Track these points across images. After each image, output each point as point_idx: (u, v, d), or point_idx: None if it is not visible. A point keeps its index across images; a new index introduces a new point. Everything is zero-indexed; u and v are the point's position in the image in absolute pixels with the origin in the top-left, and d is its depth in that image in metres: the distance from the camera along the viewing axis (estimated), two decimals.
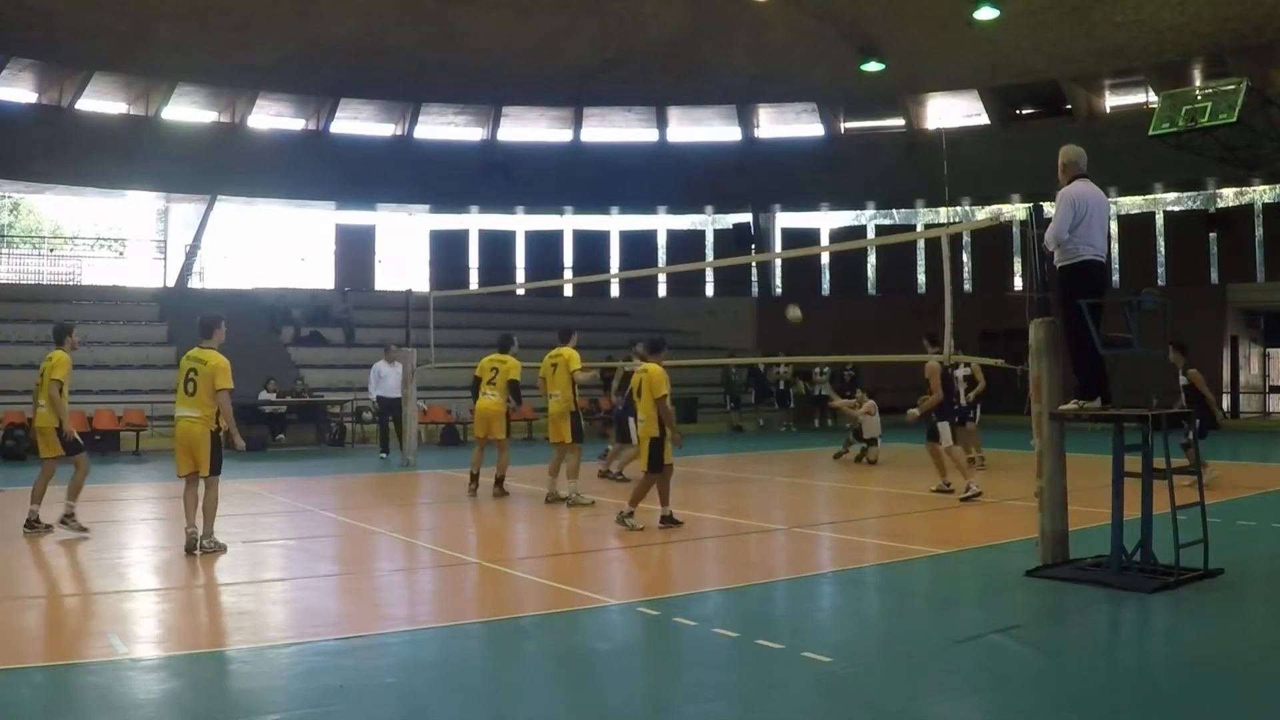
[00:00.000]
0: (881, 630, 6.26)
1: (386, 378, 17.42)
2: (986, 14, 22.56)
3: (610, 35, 25.56)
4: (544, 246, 31.04)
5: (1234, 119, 17.76)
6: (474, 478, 11.93)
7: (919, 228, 30.99)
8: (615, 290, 31.12)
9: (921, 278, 29.91)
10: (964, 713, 4.65)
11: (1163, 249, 28.02)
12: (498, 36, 24.97)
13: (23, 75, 24.16)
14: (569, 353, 11.30)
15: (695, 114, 29.94)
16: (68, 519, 8.99)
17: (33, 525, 9.02)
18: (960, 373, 13.96)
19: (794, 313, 12.06)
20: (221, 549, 8.17)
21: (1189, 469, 7.60)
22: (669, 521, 9.34)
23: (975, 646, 5.50)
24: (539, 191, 29.70)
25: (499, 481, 11.73)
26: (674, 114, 29.82)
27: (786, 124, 30.35)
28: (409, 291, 19.65)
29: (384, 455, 17.36)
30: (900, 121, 28.77)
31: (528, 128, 30.00)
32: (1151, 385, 7.20)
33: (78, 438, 9.30)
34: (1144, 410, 6.98)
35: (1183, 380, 11.78)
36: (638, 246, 31.30)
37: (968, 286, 28.48)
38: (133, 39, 23.02)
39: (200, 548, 8.04)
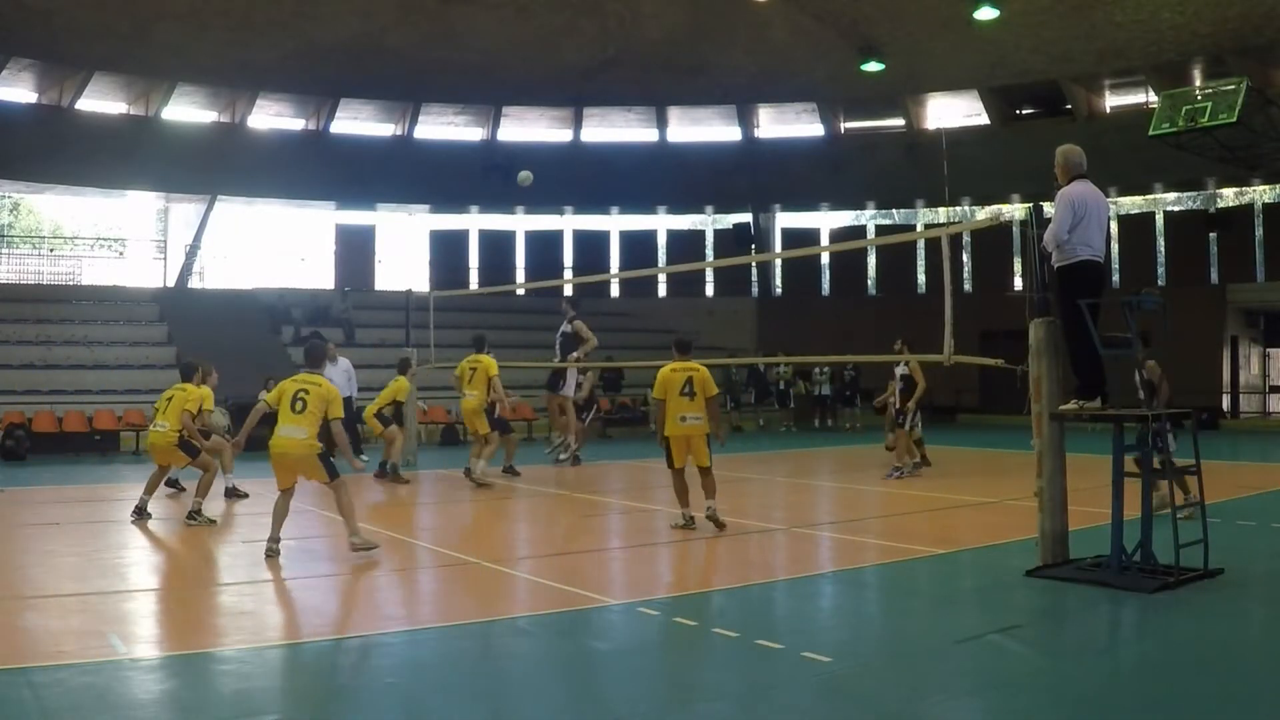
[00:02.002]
0: (881, 630, 6.26)
1: (332, 378, 17.06)
2: (986, 14, 22.56)
3: (610, 35, 25.56)
4: (544, 246, 31.03)
5: (1234, 119, 17.75)
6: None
7: (919, 228, 30.99)
8: (615, 290, 31.11)
9: (921, 278, 29.91)
10: (964, 713, 4.65)
11: (1163, 249, 28.01)
12: (498, 36, 24.96)
13: (23, 75, 24.16)
14: (488, 360, 13.14)
15: (695, 114, 29.93)
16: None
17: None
18: (898, 371, 13.65)
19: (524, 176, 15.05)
20: (372, 545, 8.02)
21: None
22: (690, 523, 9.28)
23: (975, 646, 5.50)
24: (539, 191, 29.61)
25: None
26: (674, 114, 29.81)
27: (786, 124, 30.34)
28: (409, 291, 19.63)
29: (365, 459, 17.03)
30: (900, 121, 28.76)
31: (528, 128, 30.00)
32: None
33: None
34: (1144, 410, 6.98)
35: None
36: (638, 246, 31.28)
37: (968, 286, 28.47)
38: (133, 39, 23.01)
39: (351, 546, 7.93)
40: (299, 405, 7.98)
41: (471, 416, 13.09)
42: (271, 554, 7.88)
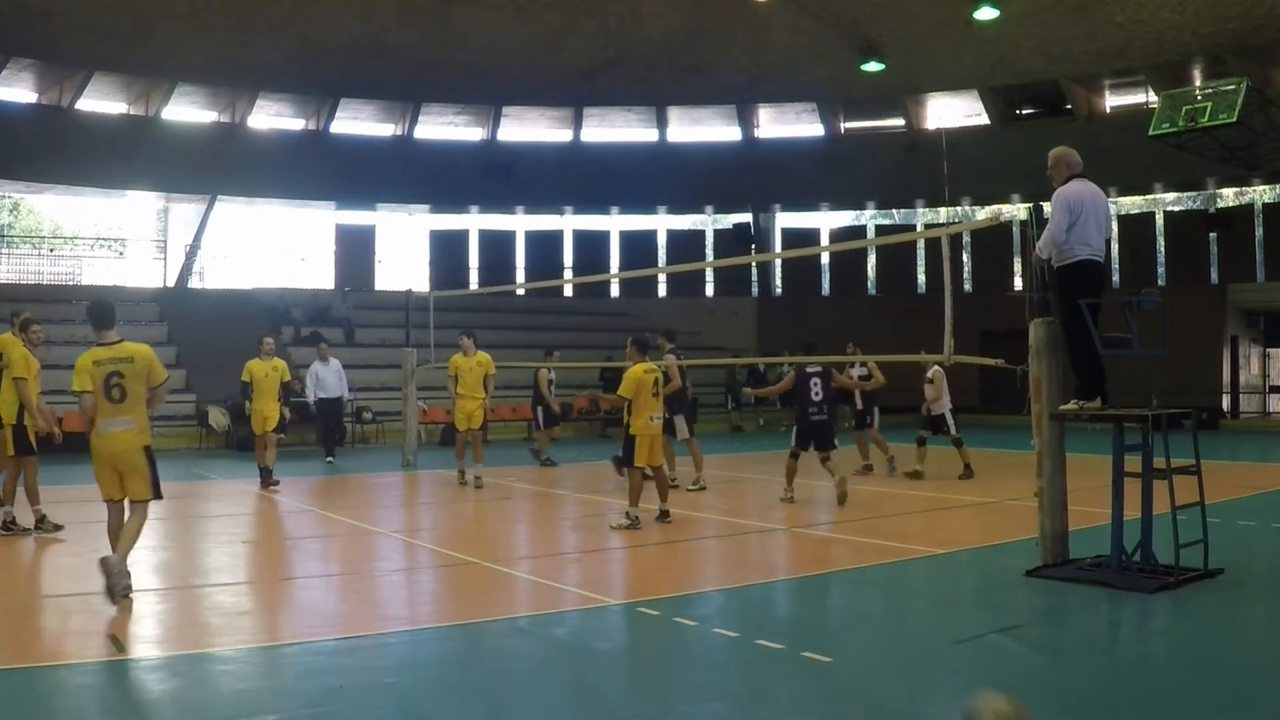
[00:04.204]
0: (881, 630, 6.25)
1: (325, 379, 16.90)
2: (986, 14, 22.55)
3: (610, 35, 25.56)
4: (544, 246, 31.03)
5: (1234, 119, 17.75)
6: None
7: (919, 228, 30.99)
8: (615, 290, 31.12)
9: (921, 278, 29.91)
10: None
11: (1163, 249, 28.01)
12: (498, 36, 24.96)
13: (23, 75, 24.15)
14: (485, 357, 13.30)
15: (695, 114, 29.93)
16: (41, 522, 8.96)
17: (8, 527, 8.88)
18: (855, 372, 13.80)
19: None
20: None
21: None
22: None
23: (975, 646, 5.50)
24: (539, 191, 29.68)
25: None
26: (674, 114, 29.81)
27: (786, 124, 30.34)
28: (409, 291, 19.64)
29: (331, 459, 16.51)
30: (900, 121, 28.76)
31: (528, 128, 30.00)
32: (1151, 385, 7.19)
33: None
34: (1144, 410, 6.98)
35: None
36: (638, 246, 31.28)
37: (968, 286, 28.47)
38: (133, 39, 23.01)
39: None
40: (116, 392, 6.65)
41: (474, 415, 13.08)
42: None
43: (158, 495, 6.81)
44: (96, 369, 6.66)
